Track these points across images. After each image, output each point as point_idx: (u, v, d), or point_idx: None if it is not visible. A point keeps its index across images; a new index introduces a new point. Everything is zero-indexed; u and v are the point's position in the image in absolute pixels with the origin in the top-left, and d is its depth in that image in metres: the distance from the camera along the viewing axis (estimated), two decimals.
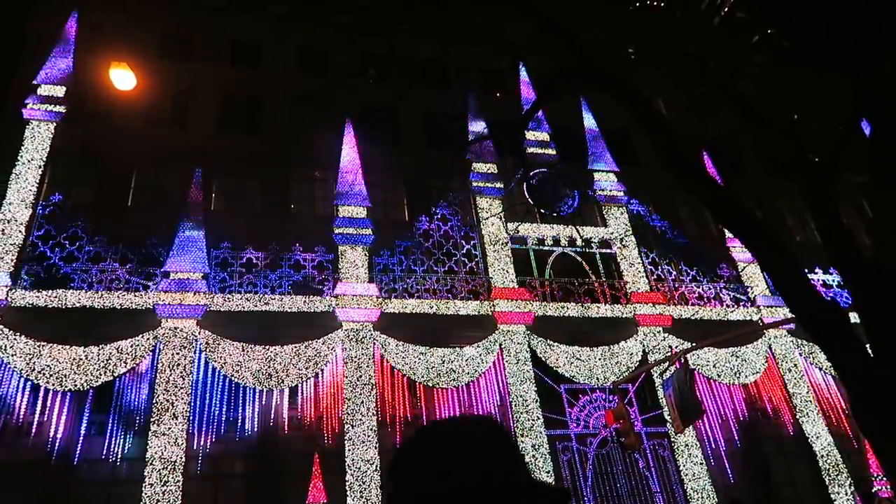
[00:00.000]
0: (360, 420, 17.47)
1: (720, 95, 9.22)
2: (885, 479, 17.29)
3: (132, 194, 21.58)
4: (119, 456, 16.01)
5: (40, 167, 19.41)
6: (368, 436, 17.30)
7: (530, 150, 24.81)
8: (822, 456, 20.38)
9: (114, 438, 16.17)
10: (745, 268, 23.53)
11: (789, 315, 12.77)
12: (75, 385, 16.17)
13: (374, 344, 18.77)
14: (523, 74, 27.31)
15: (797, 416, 21.09)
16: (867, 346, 6.89)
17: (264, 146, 23.77)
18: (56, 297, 17.11)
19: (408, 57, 28.16)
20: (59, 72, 21.27)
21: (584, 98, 27.34)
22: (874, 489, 17.75)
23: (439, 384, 18.65)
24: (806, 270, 7.58)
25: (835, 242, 7.50)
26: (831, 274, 24.55)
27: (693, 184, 8.19)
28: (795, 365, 22.12)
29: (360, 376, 18.13)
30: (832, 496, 19.66)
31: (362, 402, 17.76)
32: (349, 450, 17.03)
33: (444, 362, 18.95)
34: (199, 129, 23.33)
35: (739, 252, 23.80)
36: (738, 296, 23.30)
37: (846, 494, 19.61)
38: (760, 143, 30.49)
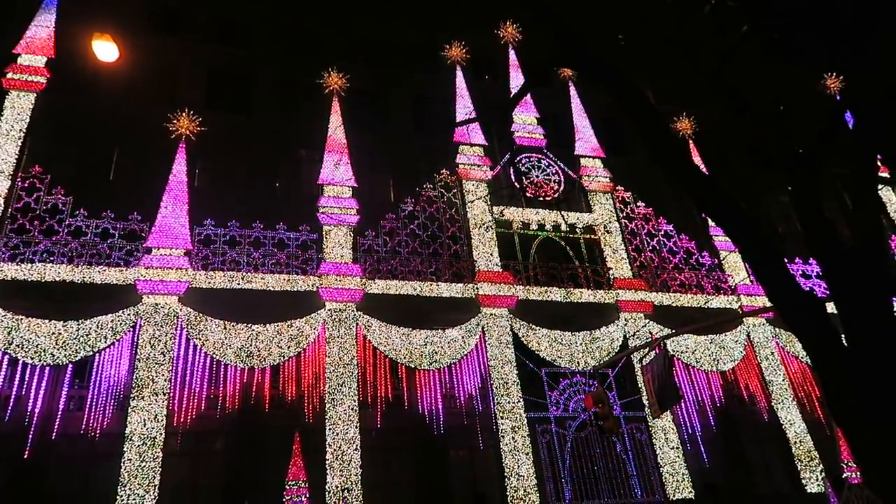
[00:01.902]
0: (342, 399, 17.52)
1: (708, 85, 9.22)
2: (855, 465, 17.67)
3: (114, 169, 21.29)
4: (98, 431, 15.92)
5: (20, 138, 19.05)
6: (349, 415, 17.37)
7: (517, 134, 24.78)
8: (796, 442, 20.79)
9: (92, 414, 16.07)
10: (726, 256, 23.79)
11: (768, 304, 12.94)
12: (54, 359, 16.03)
13: (357, 324, 18.78)
14: (513, 59, 27.19)
15: (772, 403, 21.47)
16: (842, 336, 7.01)
17: (251, 124, 23.52)
18: (35, 270, 16.89)
19: (398, 41, 27.91)
20: (41, 42, 20.82)
21: (573, 84, 27.31)
22: (844, 475, 18.13)
23: (421, 365, 18.73)
24: (786, 261, 7.65)
25: (816, 234, 7.58)
26: (810, 265, 24.90)
27: (679, 174, 8.22)
28: (772, 353, 22.47)
29: (343, 356, 18.15)
30: (804, 481, 20.09)
31: (344, 381, 17.80)
32: (330, 429, 17.08)
33: (426, 344, 19.02)
34: (184, 106, 23.01)
35: (721, 240, 24.07)
36: (718, 284, 23.54)
37: (817, 480, 20.05)
38: (746, 135, 30.61)
